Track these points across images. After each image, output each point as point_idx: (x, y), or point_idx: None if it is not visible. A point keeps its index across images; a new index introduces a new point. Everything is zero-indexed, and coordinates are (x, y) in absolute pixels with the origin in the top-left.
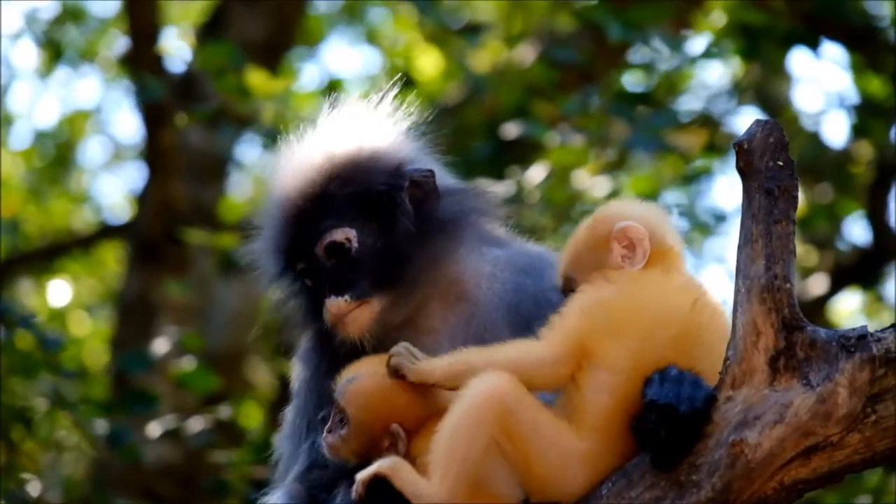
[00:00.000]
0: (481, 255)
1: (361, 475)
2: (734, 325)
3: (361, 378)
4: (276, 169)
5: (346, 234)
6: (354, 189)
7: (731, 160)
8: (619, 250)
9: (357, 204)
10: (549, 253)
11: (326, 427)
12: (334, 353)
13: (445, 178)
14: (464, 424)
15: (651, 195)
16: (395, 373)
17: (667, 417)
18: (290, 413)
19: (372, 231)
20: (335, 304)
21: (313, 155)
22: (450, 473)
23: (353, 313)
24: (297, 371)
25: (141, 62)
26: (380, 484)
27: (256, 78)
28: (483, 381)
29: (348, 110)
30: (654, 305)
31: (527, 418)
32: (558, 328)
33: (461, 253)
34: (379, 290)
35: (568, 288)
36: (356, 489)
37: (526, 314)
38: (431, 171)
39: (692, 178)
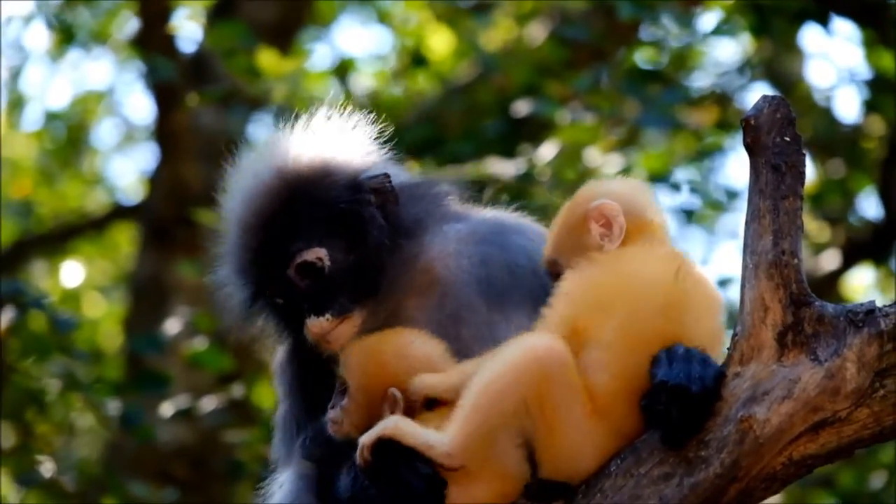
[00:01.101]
0: (444, 235)
1: (364, 439)
2: (742, 300)
3: (361, 344)
4: (229, 193)
5: (316, 254)
6: (316, 208)
7: (741, 135)
8: (598, 229)
9: (322, 222)
10: (510, 217)
11: (329, 404)
12: (315, 358)
13: (399, 176)
14: (501, 379)
15: (663, 172)
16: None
17: (679, 398)
18: (279, 419)
19: (341, 247)
20: (317, 325)
21: (268, 177)
22: (471, 424)
23: (336, 331)
24: (279, 377)
25: (152, 43)
26: (385, 447)
27: (267, 58)
28: (538, 340)
29: (296, 125)
30: (638, 278)
31: (562, 391)
32: (549, 318)
33: (426, 240)
34: (358, 304)
35: (553, 271)
36: (360, 454)
37: (498, 284)
38: (387, 175)
39: (704, 155)
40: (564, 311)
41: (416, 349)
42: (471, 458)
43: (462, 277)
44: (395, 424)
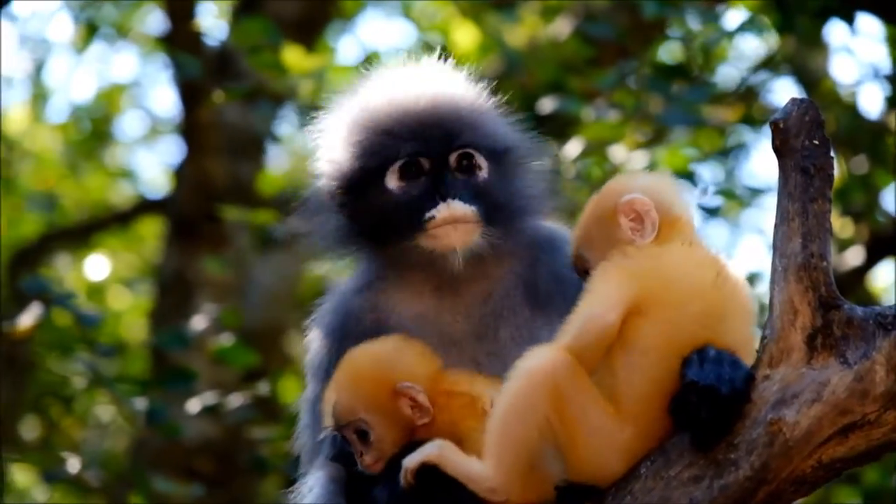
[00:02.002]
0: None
1: (408, 462)
2: (771, 303)
3: (337, 384)
4: (390, 77)
5: (482, 160)
6: (484, 129)
7: (767, 132)
8: (628, 223)
9: (489, 144)
10: (563, 229)
11: (357, 456)
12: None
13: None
14: (518, 405)
15: (686, 169)
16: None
17: (708, 399)
18: (305, 403)
19: (494, 176)
20: (457, 206)
21: (445, 79)
22: (506, 456)
23: (466, 225)
24: (310, 352)
25: (177, 40)
26: (428, 469)
27: (292, 55)
28: (538, 356)
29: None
30: (679, 281)
31: (577, 399)
32: (582, 315)
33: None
34: (486, 226)
35: (580, 267)
36: (404, 476)
37: (544, 289)
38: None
39: (728, 152)
40: (623, 282)
41: (382, 346)
42: (512, 488)
43: (511, 278)
44: (440, 452)
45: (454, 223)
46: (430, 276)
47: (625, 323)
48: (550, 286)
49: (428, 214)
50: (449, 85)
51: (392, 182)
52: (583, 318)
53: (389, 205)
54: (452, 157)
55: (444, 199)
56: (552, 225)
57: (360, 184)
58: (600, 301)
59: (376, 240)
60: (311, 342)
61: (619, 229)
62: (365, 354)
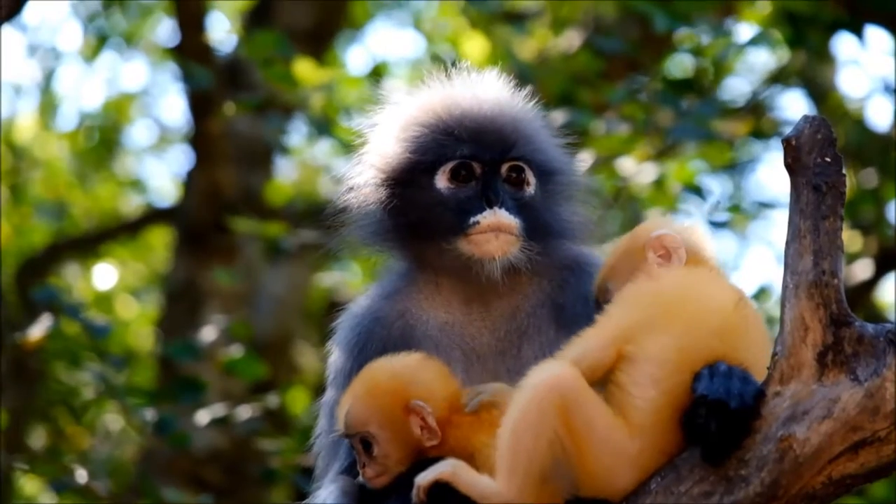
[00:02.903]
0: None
1: (421, 480)
2: (782, 320)
3: (353, 393)
4: (451, 82)
5: (530, 177)
6: (542, 146)
7: (776, 144)
8: (655, 258)
9: (541, 162)
10: (593, 253)
11: (359, 466)
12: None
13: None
14: (527, 420)
15: (694, 183)
16: None
17: (717, 412)
18: (325, 406)
19: (539, 194)
20: (503, 215)
21: (503, 90)
22: (517, 472)
23: (508, 236)
24: (335, 355)
25: (187, 50)
26: (440, 487)
27: (303, 67)
28: (544, 371)
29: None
30: (698, 298)
31: (584, 413)
32: (600, 326)
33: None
34: (526, 241)
35: (603, 298)
36: (416, 494)
37: (571, 310)
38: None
39: (737, 166)
40: (619, 322)
41: (404, 362)
42: (530, 496)
43: (539, 297)
44: (453, 470)
45: (497, 232)
46: (461, 286)
47: (641, 334)
48: (578, 308)
49: (473, 219)
50: (509, 97)
51: (441, 181)
52: (580, 350)
53: (435, 204)
54: (504, 168)
55: (490, 207)
56: (584, 248)
57: (408, 178)
58: (599, 335)
59: (415, 238)
60: (335, 346)
61: (646, 263)
62: (385, 368)
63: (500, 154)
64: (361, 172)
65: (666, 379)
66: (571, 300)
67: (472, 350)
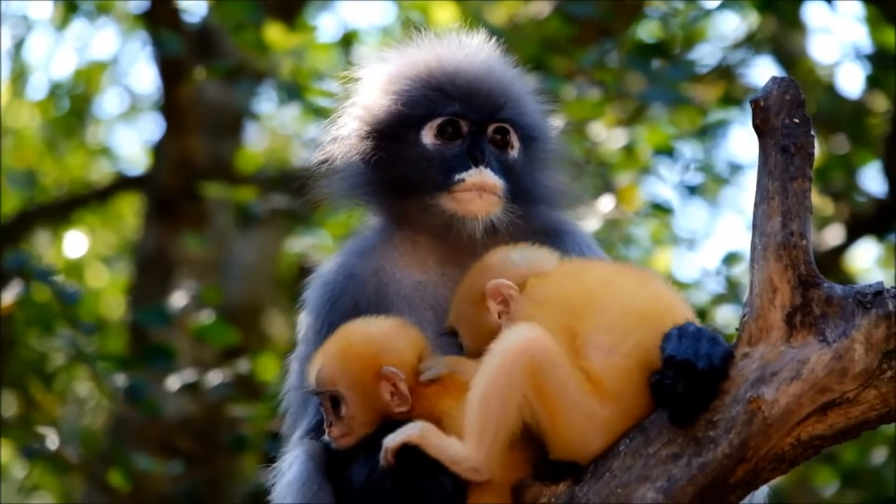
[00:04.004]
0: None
1: (389, 442)
2: (751, 281)
3: (325, 352)
4: (440, 40)
5: (514, 140)
6: (528, 110)
7: (747, 111)
8: (496, 307)
9: (526, 125)
10: (568, 220)
11: (325, 424)
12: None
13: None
14: (497, 384)
15: (667, 146)
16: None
17: (684, 373)
18: (295, 362)
19: (522, 158)
20: (488, 175)
21: (492, 53)
22: (486, 435)
23: (491, 196)
24: (307, 311)
25: (158, 16)
26: (408, 450)
27: (274, 33)
28: (515, 335)
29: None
30: (616, 274)
31: (555, 376)
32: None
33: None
34: (508, 205)
35: (454, 336)
36: (384, 457)
37: None
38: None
39: (708, 131)
40: (553, 321)
41: (379, 326)
42: (494, 467)
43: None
44: (421, 433)
45: (481, 191)
46: (439, 245)
47: (581, 319)
48: None
49: (458, 176)
50: (499, 59)
51: (427, 137)
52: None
53: (420, 159)
54: (490, 128)
55: (476, 165)
56: (560, 215)
57: (394, 132)
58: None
59: (396, 193)
60: (309, 301)
61: (488, 313)
62: (359, 330)
63: (488, 114)
64: (346, 124)
65: (621, 342)
66: None
67: (445, 311)
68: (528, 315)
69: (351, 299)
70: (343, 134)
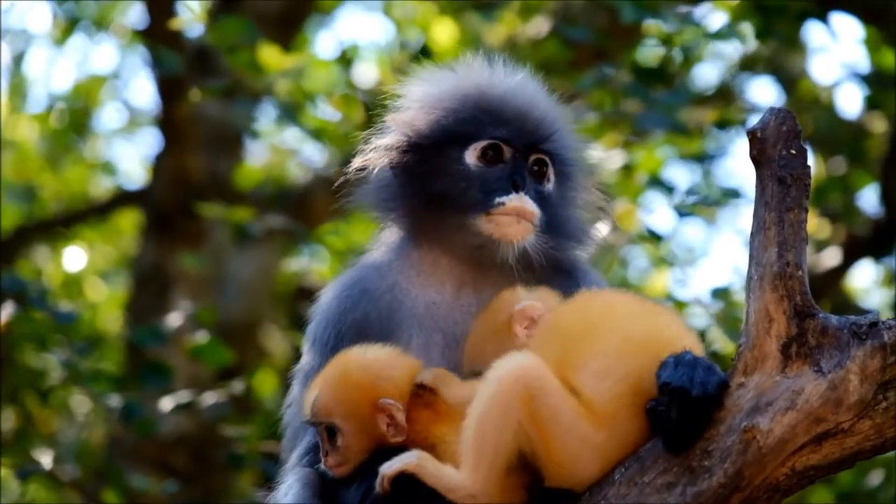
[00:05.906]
0: None
1: (386, 470)
2: (747, 312)
3: (322, 382)
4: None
5: (550, 173)
6: (567, 147)
7: (744, 133)
8: (523, 331)
9: (563, 160)
10: (584, 262)
11: (321, 453)
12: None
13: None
14: (492, 412)
15: (657, 179)
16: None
17: (679, 400)
18: (299, 374)
19: (556, 191)
20: (527, 201)
21: (539, 85)
22: (482, 463)
23: (528, 224)
24: (316, 322)
25: (157, 33)
26: (404, 478)
27: (269, 54)
28: (509, 363)
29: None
30: (618, 302)
31: (549, 403)
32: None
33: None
34: (541, 235)
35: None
36: (380, 484)
37: None
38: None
39: (705, 156)
40: (549, 349)
41: (376, 356)
42: (490, 494)
43: None
44: (418, 462)
45: (519, 216)
46: (461, 267)
47: (577, 347)
48: None
49: (498, 199)
50: (544, 90)
51: (471, 157)
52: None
53: (461, 178)
54: (531, 158)
55: (516, 191)
56: (581, 255)
57: (438, 148)
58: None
59: (430, 209)
60: (319, 311)
61: (514, 337)
62: (357, 360)
63: (533, 144)
64: (387, 135)
65: (616, 367)
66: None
67: (453, 335)
68: (527, 343)
69: (362, 314)
70: (384, 144)
